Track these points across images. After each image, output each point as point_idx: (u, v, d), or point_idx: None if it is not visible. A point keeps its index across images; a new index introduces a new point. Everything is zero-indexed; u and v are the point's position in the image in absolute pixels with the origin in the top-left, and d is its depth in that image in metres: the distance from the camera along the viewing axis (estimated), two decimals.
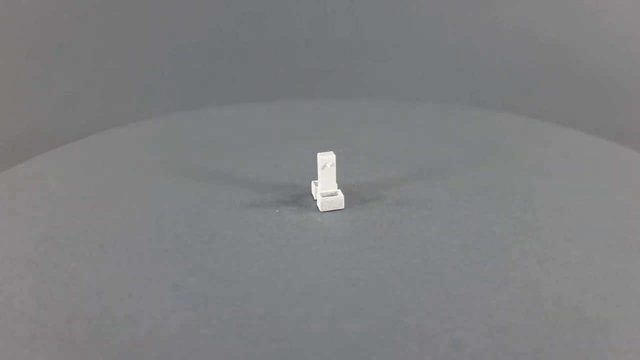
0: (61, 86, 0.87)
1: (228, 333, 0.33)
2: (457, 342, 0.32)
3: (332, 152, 0.43)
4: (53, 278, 0.36)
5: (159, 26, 0.93)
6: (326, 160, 0.43)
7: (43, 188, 0.46)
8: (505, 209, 0.43)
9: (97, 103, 0.86)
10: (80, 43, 0.90)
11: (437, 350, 0.31)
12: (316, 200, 0.44)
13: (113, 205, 0.44)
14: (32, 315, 0.33)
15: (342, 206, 0.43)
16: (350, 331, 0.33)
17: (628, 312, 0.34)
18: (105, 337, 0.32)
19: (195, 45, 0.92)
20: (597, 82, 0.87)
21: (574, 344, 0.32)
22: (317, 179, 0.43)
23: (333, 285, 0.36)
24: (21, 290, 0.35)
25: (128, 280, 0.36)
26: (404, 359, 0.31)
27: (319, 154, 0.43)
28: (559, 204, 0.44)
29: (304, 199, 0.44)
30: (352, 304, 0.34)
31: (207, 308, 0.34)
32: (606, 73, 0.88)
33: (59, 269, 0.37)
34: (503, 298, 0.35)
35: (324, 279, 0.37)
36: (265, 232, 0.41)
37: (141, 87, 0.89)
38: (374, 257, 0.38)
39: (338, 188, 0.44)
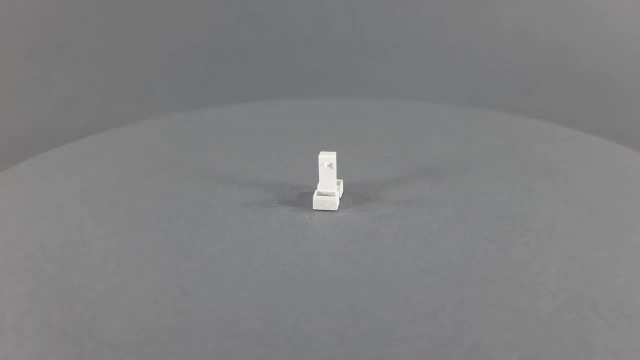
0: (61, 86, 0.87)
1: (146, 300, 0.34)
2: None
3: (334, 152, 0.43)
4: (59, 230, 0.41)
5: (159, 26, 0.93)
6: (324, 160, 0.42)
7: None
8: (500, 235, 0.39)
9: (97, 103, 0.86)
10: (80, 43, 0.90)
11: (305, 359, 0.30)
12: None
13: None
14: (27, 250, 0.39)
15: (335, 208, 0.43)
16: (242, 324, 0.32)
17: None
18: (61, 279, 0.36)
19: (195, 45, 0.92)
20: (597, 82, 0.87)
21: None
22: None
23: (259, 278, 0.35)
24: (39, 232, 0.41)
25: (108, 240, 0.40)
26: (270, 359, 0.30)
27: (320, 153, 0.43)
28: (558, 234, 0.39)
29: (309, 197, 0.44)
30: (262, 299, 0.34)
31: (146, 274, 0.36)
32: (606, 73, 0.88)
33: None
34: (415, 333, 0.31)
35: (259, 270, 0.36)
36: (246, 218, 0.41)
37: (141, 87, 0.89)
38: (323, 262, 0.36)
39: (340, 188, 0.43)
